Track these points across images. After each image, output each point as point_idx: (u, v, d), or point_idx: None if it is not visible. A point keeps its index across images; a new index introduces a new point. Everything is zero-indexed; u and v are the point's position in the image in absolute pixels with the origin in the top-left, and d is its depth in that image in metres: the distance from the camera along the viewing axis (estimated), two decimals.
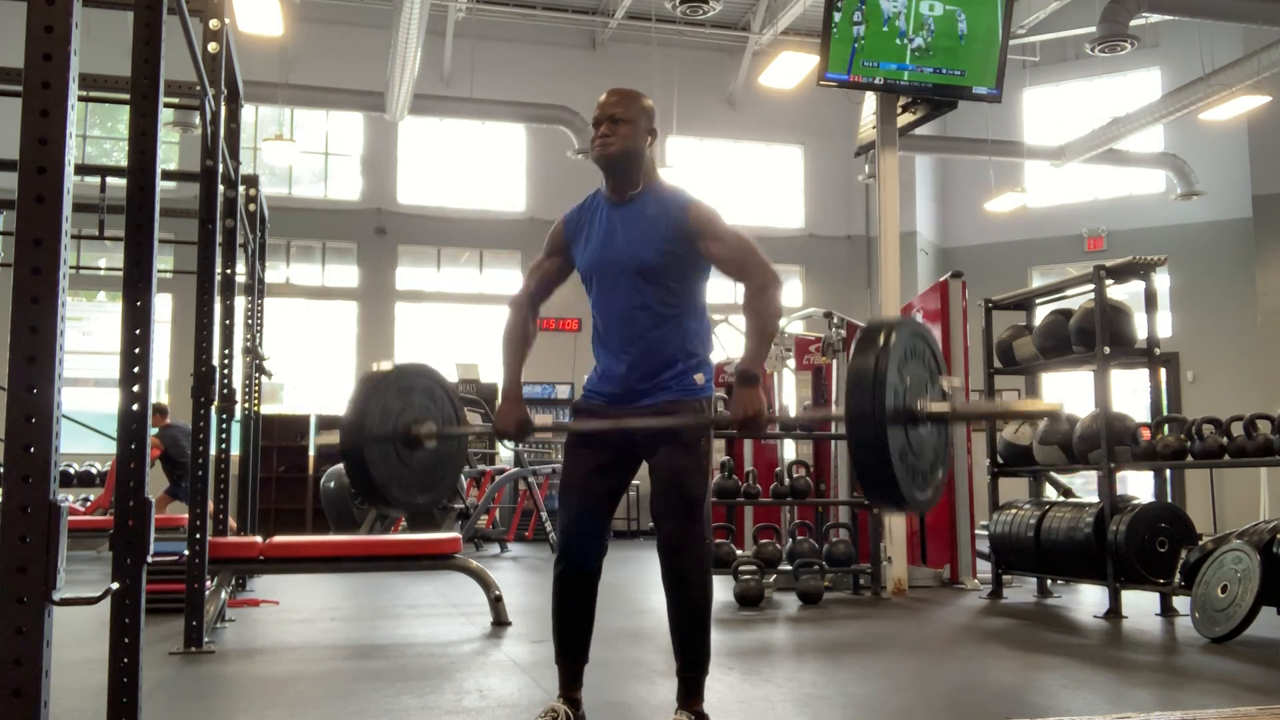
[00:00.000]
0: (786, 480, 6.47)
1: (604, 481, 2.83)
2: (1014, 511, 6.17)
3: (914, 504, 2.40)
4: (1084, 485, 8.64)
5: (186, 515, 4.97)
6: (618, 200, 2.82)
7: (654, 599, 6.24)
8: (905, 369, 2.40)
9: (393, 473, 2.95)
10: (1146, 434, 5.60)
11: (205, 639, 4.19)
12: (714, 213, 2.77)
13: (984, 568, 6.87)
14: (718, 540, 6.17)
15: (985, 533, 6.63)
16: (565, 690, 2.83)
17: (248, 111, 8.41)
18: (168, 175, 6.35)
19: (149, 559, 2.29)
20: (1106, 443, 5.53)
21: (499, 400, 2.97)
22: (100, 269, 12.12)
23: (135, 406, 2.33)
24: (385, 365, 3.08)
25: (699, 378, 2.78)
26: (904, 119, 7.14)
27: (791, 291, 15.77)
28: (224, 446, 5.08)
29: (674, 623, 2.76)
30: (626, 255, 2.76)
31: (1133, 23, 11.08)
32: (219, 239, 4.41)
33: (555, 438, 13.54)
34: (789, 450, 8.09)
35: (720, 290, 15.28)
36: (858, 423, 2.33)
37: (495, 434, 2.93)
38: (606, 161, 2.78)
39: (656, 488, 2.75)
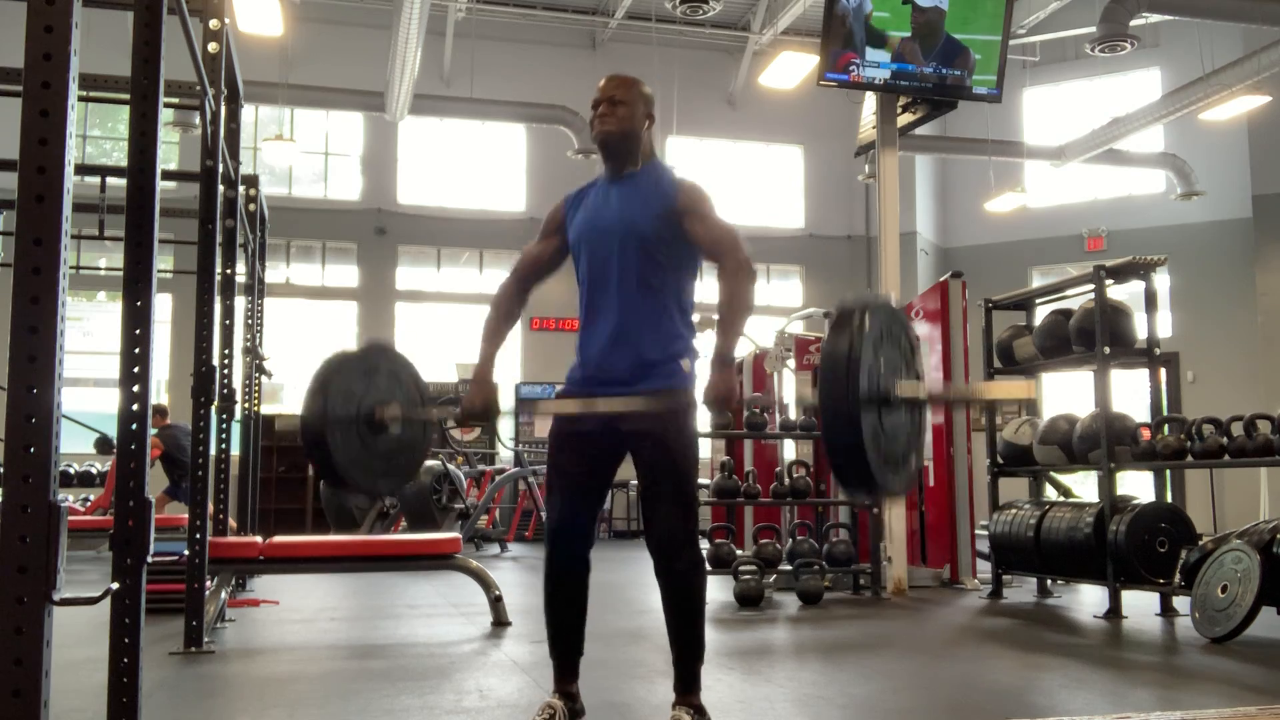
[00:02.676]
0: (786, 480, 6.47)
1: (590, 474, 2.82)
2: (1014, 511, 6.17)
3: (887, 489, 2.37)
4: (1082, 482, 8.64)
5: (186, 515, 4.98)
6: (615, 177, 2.86)
7: (654, 599, 6.22)
8: (880, 351, 2.37)
9: (354, 456, 2.86)
10: (1146, 434, 5.60)
11: (205, 639, 4.19)
12: (704, 195, 2.79)
13: (984, 568, 6.86)
14: (718, 540, 6.17)
15: (985, 533, 6.63)
16: (560, 684, 2.84)
17: (248, 111, 8.40)
18: (168, 175, 6.34)
19: (149, 559, 2.29)
20: (1106, 443, 5.53)
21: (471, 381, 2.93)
22: (100, 269, 12.12)
23: (135, 406, 2.33)
24: (349, 348, 3.01)
25: (685, 363, 2.77)
26: (904, 119, 7.14)
27: (791, 291, 15.78)
28: (224, 446, 5.08)
29: (668, 614, 2.77)
30: (618, 222, 2.77)
31: (1133, 23, 11.08)
32: (219, 239, 4.41)
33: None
34: (789, 450, 8.09)
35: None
36: (830, 406, 2.30)
37: (462, 415, 2.88)
38: (604, 139, 2.82)
39: (643, 481, 2.75)
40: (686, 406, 2.75)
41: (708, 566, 5.96)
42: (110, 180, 6.60)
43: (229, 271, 5.17)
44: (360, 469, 2.90)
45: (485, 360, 2.91)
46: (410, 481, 3.20)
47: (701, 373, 2.75)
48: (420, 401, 3.06)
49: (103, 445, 8.80)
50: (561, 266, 3.00)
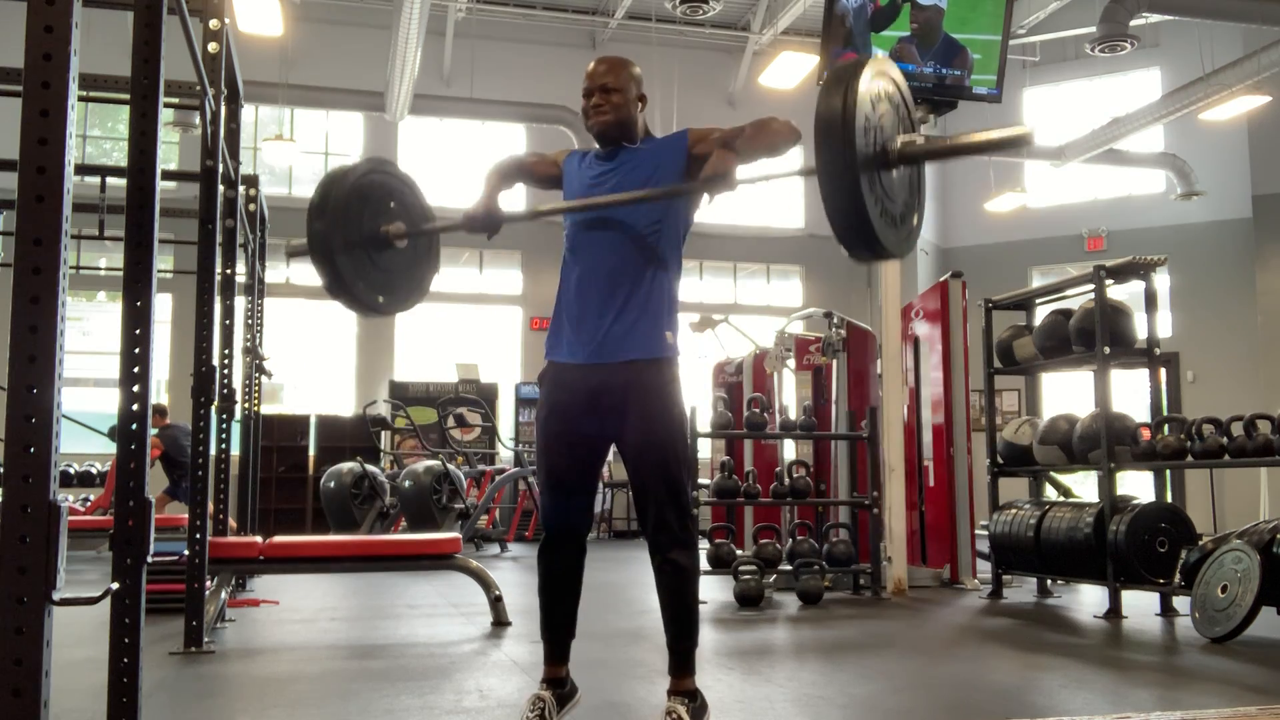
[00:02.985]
0: (786, 480, 6.46)
1: (579, 451, 2.82)
2: (1014, 511, 6.17)
3: (888, 247, 2.31)
4: (1082, 482, 8.64)
5: (186, 515, 4.97)
6: (611, 153, 2.87)
7: (653, 599, 6.22)
8: (877, 107, 2.30)
9: (366, 276, 2.84)
10: (1146, 434, 5.60)
11: (205, 639, 4.19)
12: (709, 128, 2.81)
13: (984, 568, 6.86)
14: (718, 540, 6.17)
15: (985, 533, 6.63)
16: (549, 667, 2.84)
17: (248, 111, 8.40)
18: (168, 175, 6.35)
19: (149, 559, 2.29)
20: (1106, 443, 5.53)
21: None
22: (100, 269, 12.12)
23: (135, 406, 2.33)
24: (348, 165, 2.96)
25: (669, 335, 2.77)
26: None
27: (791, 291, 15.78)
28: (224, 446, 5.08)
29: (663, 599, 2.78)
30: (620, 183, 2.78)
31: (1133, 23, 11.08)
32: (219, 239, 4.40)
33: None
34: (789, 450, 8.09)
35: (720, 290, 15.20)
36: (830, 164, 2.23)
37: (466, 221, 2.85)
38: (601, 130, 2.82)
39: (632, 466, 2.75)
40: (672, 380, 2.75)
41: (706, 565, 5.99)
42: (110, 180, 6.61)
43: (229, 271, 5.17)
44: (370, 285, 2.86)
45: (490, 180, 2.92)
46: (419, 298, 3.15)
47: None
48: (424, 216, 3.03)
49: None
50: (545, 189, 3.01)
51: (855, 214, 2.23)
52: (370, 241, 2.87)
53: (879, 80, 2.35)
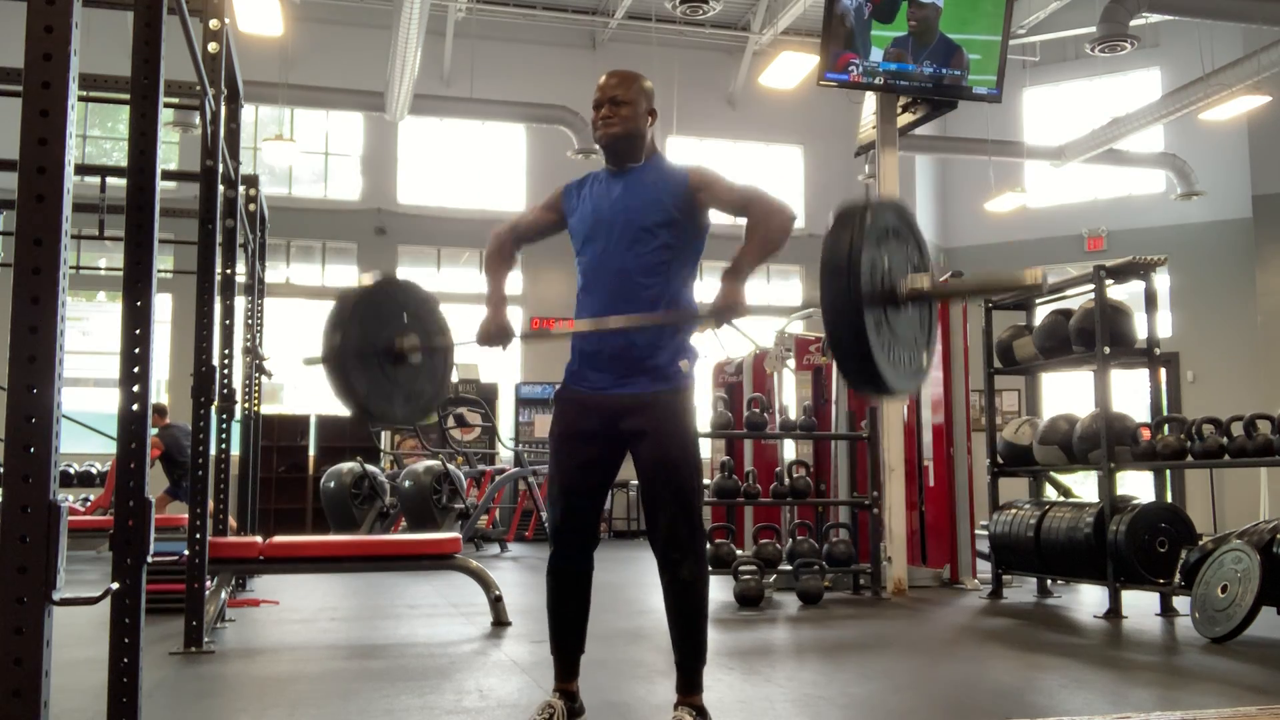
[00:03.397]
0: (786, 480, 6.46)
1: (592, 474, 2.82)
2: (1014, 511, 6.17)
3: (893, 386, 2.29)
4: (1082, 482, 8.64)
5: (186, 515, 4.97)
6: (618, 171, 2.86)
7: (654, 599, 6.23)
8: (884, 247, 2.28)
9: (378, 389, 2.87)
10: (1146, 434, 5.60)
11: (205, 639, 4.19)
12: (715, 172, 2.81)
13: (984, 568, 6.86)
14: (718, 540, 6.17)
15: (985, 533, 6.63)
16: (561, 683, 2.85)
17: (248, 111, 8.40)
18: (168, 175, 6.34)
19: (149, 559, 2.29)
20: (1106, 443, 5.53)
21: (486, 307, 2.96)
22: (100, 269, 12.11)
23: (135, 406, 2.33)
24: (368, 278, 3.00)
25: (683, 364, 2.78)
26: (904, 119, 7.14)
27: (791, 291, 15.79)
28: (224, 446, 5.08)
29: (671, 616, 2.77)
30: (622, 211, 2.78)
31: (1133, 23, 11.08)
32: (219, 239, 4.41)
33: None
34: (789, 450, 8.08)
35: None
36: (834, 303, 2.21)
37: (480, 337, 2.90)
38: (609, 142, 2.81)
39: (644, 483, 2.76)
40: (686, 407, 2.76)
41: (709, 567, 5.99)
42: (110, 180, 6.60)
43: (229, 271, 5.17)
44: (382, 398, 2.89)
45: (494, 290, 2.96)
46: (433, 413, 3.20)
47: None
48: (438, 330, 3.06)
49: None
50: (553, 235, 3.02)
51: (860, 355, 2.22)
52: (385, 355, 2.91)
53: (887, 217, 2.35)
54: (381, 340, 2.89)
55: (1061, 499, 6.64)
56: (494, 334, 2.88)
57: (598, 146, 2.87)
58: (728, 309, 2.62)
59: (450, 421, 11.15)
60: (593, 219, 2.83)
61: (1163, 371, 5.97)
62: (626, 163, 2.84)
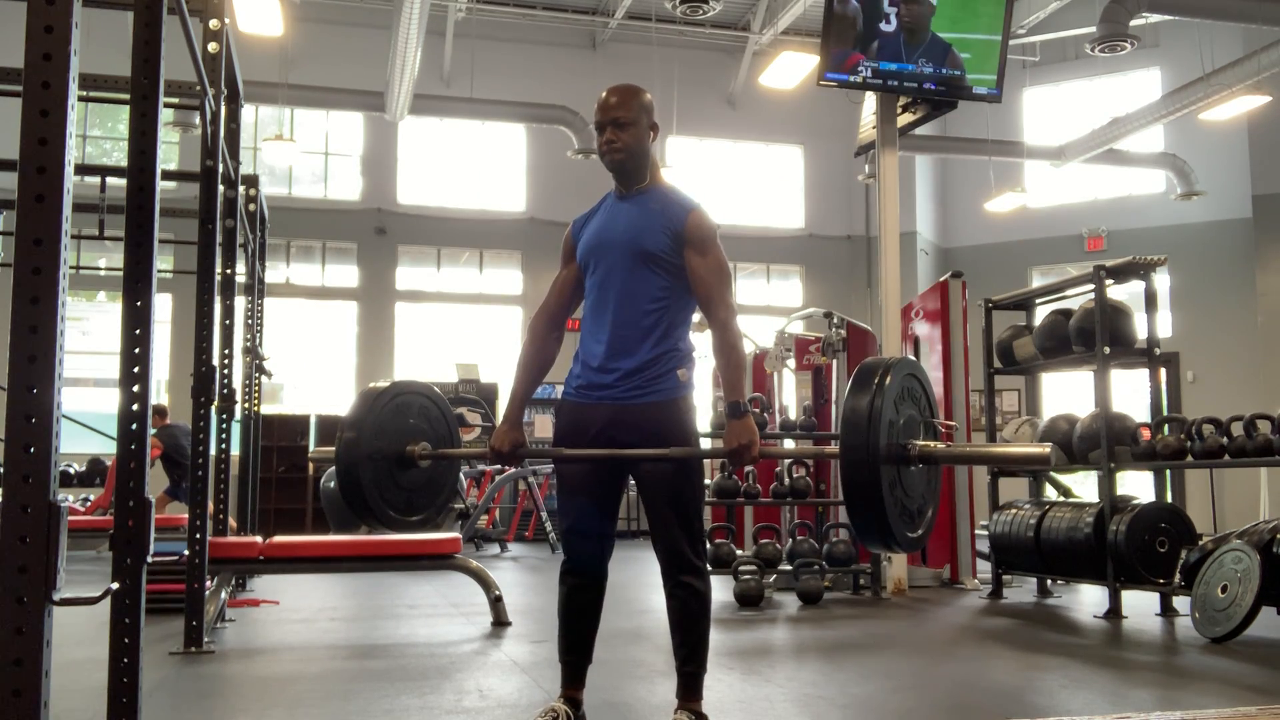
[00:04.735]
0: (786, 480, 6.46)
1: (602, 482, 2.84)
2: (1014, 511, 6.17)
3: (904, 543, 2.40)
4: (1082, 482, 8.64)
5: (186, 515, 4.98)
6: (624, 193, 2.87)
7: (654, 599, 6.24)
8: (900, 408, 2.41)
9: (385, 493, 2.92)
10: (1146, 434, 5.60)
11: (205, 639, 4.20)
12: (711, 228, 2.79)
13: (984, 568, 6.86)
14: (718, 540, 6.17)
15: (985, 533, 6.63)
16: (567, 689, 2.85)
17: (248, 111, 8.40)
18: (168, 175, 6.35)
19: (149, 559, 2.29)
20: (1106, 443, 5.53)
21: (499, 420, 2.97)
22: (100, 269, 12.11)
23: (135, 406, 2.33)
24: (382, 383, 3.04)
25: (681, 373, 2.79)
26: (904, 119, 7.14)
27: (791, 291, 15.79)
28: (224, 446, 5.08)
29: (673, 625, 2.78)
30: (625, 238, 2.79)
31: (1133, 23, 11.07)
32: (219, 239, 4.41)
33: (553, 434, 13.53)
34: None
35: None
36: (852, 462, 2.34)
37: (491, 456, 2.91)
38: (616, 167, 2.82)
39: (647, 491, 2.77)
40: (686, 415, 2.78)
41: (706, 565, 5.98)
42: (110, 180, 6.60)
43: (229, 271, 5.17)
44: (389, 504, 2.93)
45: (514, 404, 2.92)
46: (438, 518, 3.20)
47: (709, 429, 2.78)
48: (449, 439, 3.09)
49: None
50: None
51: (876, 512, 2.32)
52: (394, 459, 2.94)
53: (905, 380, 2.45)
54: (393, 444, 2.93)
55: (1061, 499, 6.64)
56: (507, 450, 2.87)
57: (607, 169, 2.86)
58: (744, 450, 2.65)
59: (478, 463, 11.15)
60: (597, 241, 2.85)
61: (1163, 371, 5.97)
62: (633, 184, 2.85)
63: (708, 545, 6.06)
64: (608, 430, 2.76)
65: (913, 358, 2.58)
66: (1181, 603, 5.23)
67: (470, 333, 14.43)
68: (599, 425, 2.77)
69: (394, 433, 2.94)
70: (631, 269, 2.78)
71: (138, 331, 2.30)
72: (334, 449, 2.89)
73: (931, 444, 2.47)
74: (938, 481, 2.60)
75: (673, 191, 2.86)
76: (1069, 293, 6.35)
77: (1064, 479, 7.00)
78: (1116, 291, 5.87)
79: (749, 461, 2.68)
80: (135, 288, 2.32)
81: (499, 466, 11.05)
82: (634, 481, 2.83)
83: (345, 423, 2.92)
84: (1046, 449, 2.42)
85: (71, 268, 3.13)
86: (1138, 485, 7.70)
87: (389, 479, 2.93)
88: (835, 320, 7.46)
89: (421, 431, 3.01)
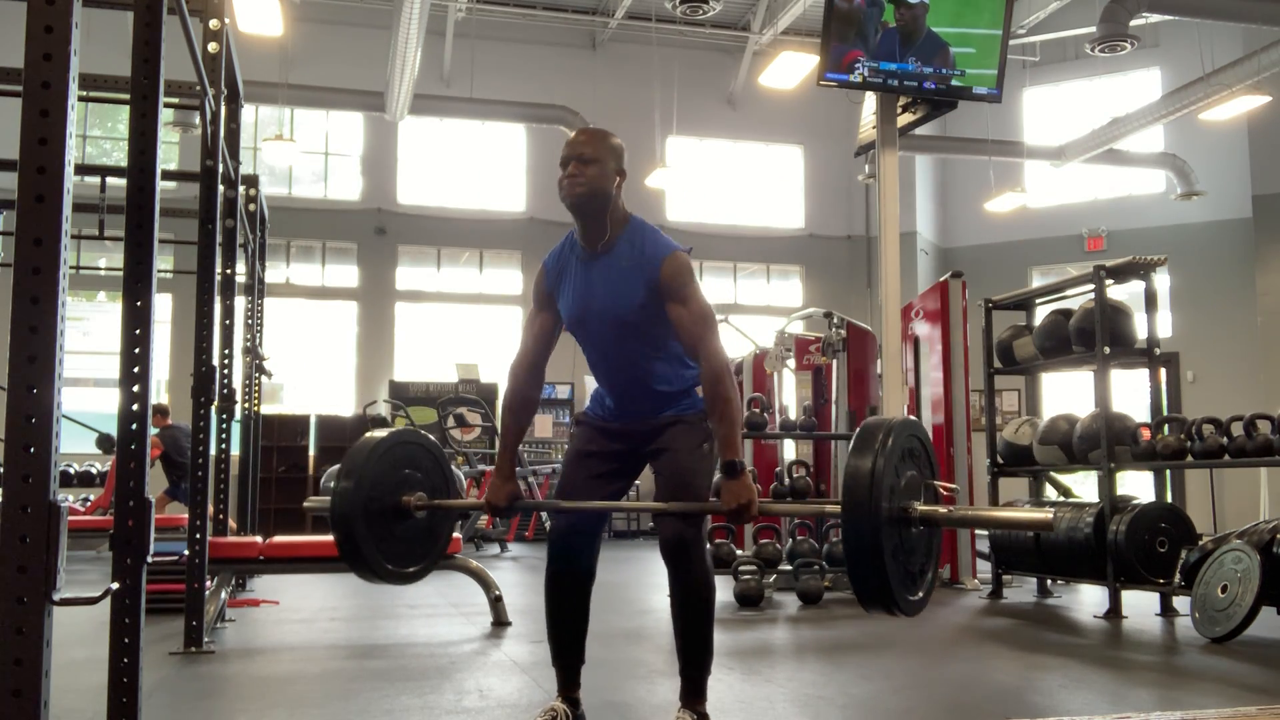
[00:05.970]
0: (786, 480, 6.46)
1: (604, 488, 2.84)
2: None
3: (905, 607, 2.38)
4: (1082, 482, 8.64)
5: (186, 515, 4.97)
6: (590, 251, 2.78)
7: (654, 599, 6.24)
8: (901, 470, 2.40)
9: (381, 545, 2.90)
10: (1146, 434, 5.60)
11: (205, 639, 4.19)
12: (686, 271, 2.73)
13: (984, 568, 6.86)
14: (718, 540, 6.17)
15: (985, 533, 6.63)
16: (563, 690, 2.85)
17: (248, 111, 8.40)
18: (168, 175, 6.35)
19: (149, 559, 2.29)
20: (1106, 443, 5.53)
21: (493, 472, 2.98)
22: (100, 269, 12.11)
23: (135, 406, 2.33)
24: (380, 433, 3.00)
25: (699, 390, 2.81)
26: (904, 119, 7.13)
27: (791, 291, 15.79)
28: (224, 446, 5.08)
29: (677, 622, 2.77)
30: (607, 310, 2.76)
31: (1133, 23, 11.07)
32: (219, 239, 4.41)
33: (557, 437, 13.54)
34: (789, 450, 8.08)
35: (720, 290, 15.15)
36: (855, 525, 2.32)
37: (487, 509, 2.91)
38: (573, 202, 2.73)
39: (660, 489, 2.78)
40: (703, 426, 2.80)
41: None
42: (110, 180, 6.60)
43: (229, 271, 5.17)
44: (384, 555, 2.91)
45: (505, 454, 2.94)
46: (432, 569, 3.19)
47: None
48: (445, 489, 3.08)
49: (104, 444, 8.80)
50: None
51: (876, 573, 2.30)
52: (390, 510, 2.92)
53: (907, 441, 2.43)
54: (389, 495, 2.91)
55: (1061, 499, 6.64)
56: (502, 504, 2.88)
57: (566, 208, 2.78)
58: (743, 510, 2.63)
59: (450, 421, 11.15)
60: (579, 314, 2.82)
61: (1163, 371, 5.97)
62: (595, 235, 2.76)
63: (708, 545, 6.09)
64: (628, 442, 2.85)
65: (914, 418, 2.56)
66: (1181, 603, 5.23)
67: (470, 333, 14.44)
68: (620, 439, 2.86)
69: (390, 484, 2.91)
70: (620, 338, 2.78)
71: (138, 331, 2.30)
72: (329, 499, 2.86)
73: (934, 508, 2.45)
74: (938, 544, 2.58)
75: (638, 236, 2.77)
76: (1069, 293, 6.35)
77: (1064, 479, 6.99)
78: (1116, 291, 5.87)
79: (748, 520, 2.67)
80: (135, 288, 2.32)
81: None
82: (651, 469, 2.87)
83: (340, 474, 2.90)
84: (1049, 516, 2.40)
85: (71, 268, 3.13)
86: (1138, 485, 7.70)
87: (385, 532, 2.91)
88: (835, 320, 7.46)
89: (417, 482, 2.98)
